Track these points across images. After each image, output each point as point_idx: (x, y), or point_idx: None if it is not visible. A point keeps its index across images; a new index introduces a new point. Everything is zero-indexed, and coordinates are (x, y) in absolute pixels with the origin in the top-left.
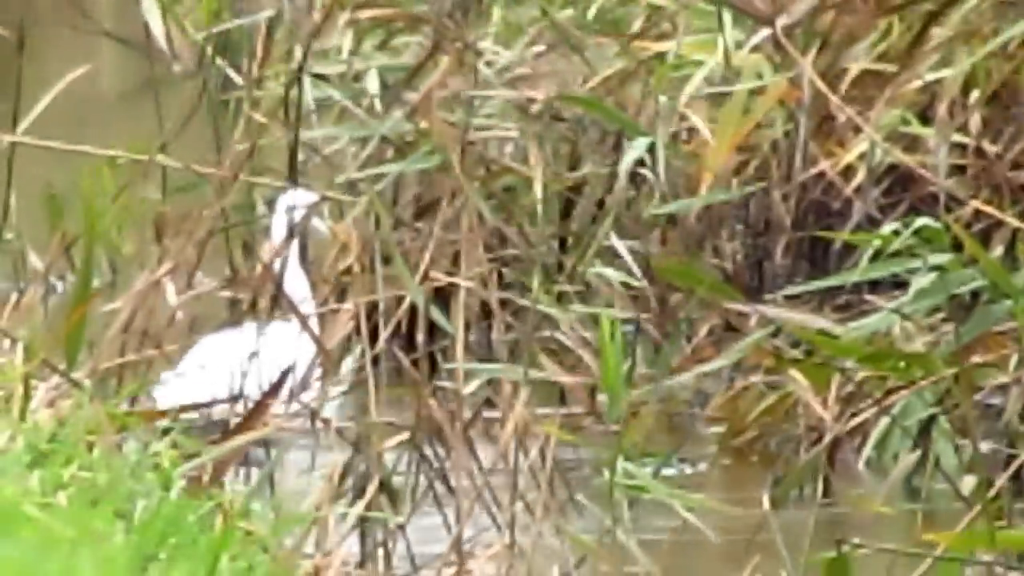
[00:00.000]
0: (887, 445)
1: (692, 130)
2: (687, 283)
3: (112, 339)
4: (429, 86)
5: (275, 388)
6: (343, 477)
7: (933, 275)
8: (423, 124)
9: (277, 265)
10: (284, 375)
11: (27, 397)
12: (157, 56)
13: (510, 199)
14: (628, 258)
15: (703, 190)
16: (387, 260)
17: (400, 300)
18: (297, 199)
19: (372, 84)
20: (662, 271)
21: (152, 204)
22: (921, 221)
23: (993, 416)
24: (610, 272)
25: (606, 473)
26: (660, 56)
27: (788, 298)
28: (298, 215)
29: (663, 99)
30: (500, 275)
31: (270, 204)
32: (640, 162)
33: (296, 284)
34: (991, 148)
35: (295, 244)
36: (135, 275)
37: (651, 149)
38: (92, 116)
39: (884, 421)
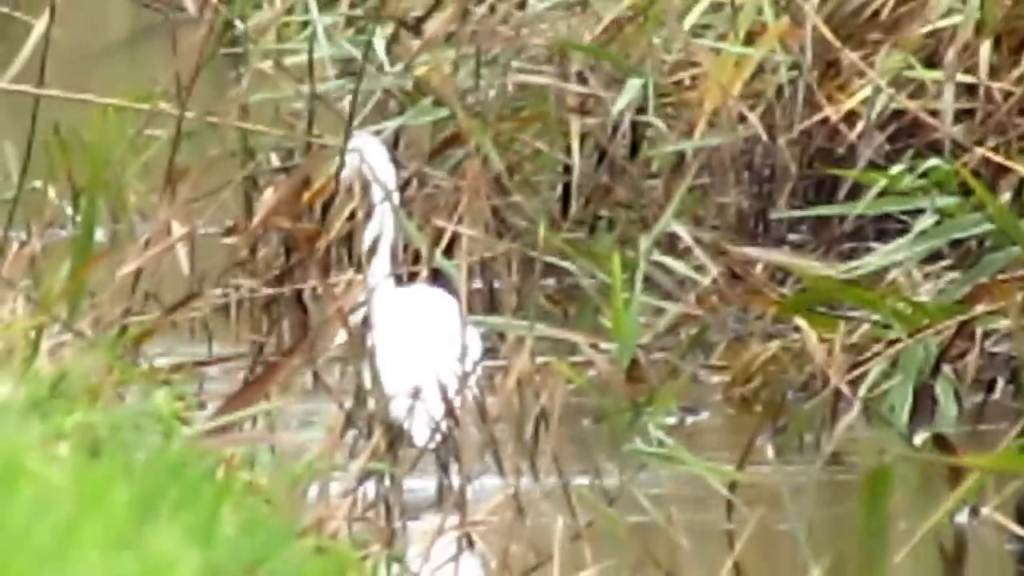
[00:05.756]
0: (888, 395)
1: (696, 77)
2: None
3: (118, 292)
4: (432, 34)
5: (291, 350)
6: (345, 429)
7: (935, 216)
8: (426, 75)
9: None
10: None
11: (35, 350)
12: (164, 4)
13: (513, 149)
14: None
15: (700, 128)
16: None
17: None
18: (361, 144)
19: (378, 39)
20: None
21: (157, 152)
22: (932, 162)
23: (999, 364)
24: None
25: (612, 426)
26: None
27: (794, 247)
28: (360, 160)
29: (655, 39)
30: (504, 224)
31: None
32: (645, 111)
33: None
34: (998, 86)
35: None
36: (139, 223)
37: (659, 95)
38: (98, 65)
39: (877, 369)
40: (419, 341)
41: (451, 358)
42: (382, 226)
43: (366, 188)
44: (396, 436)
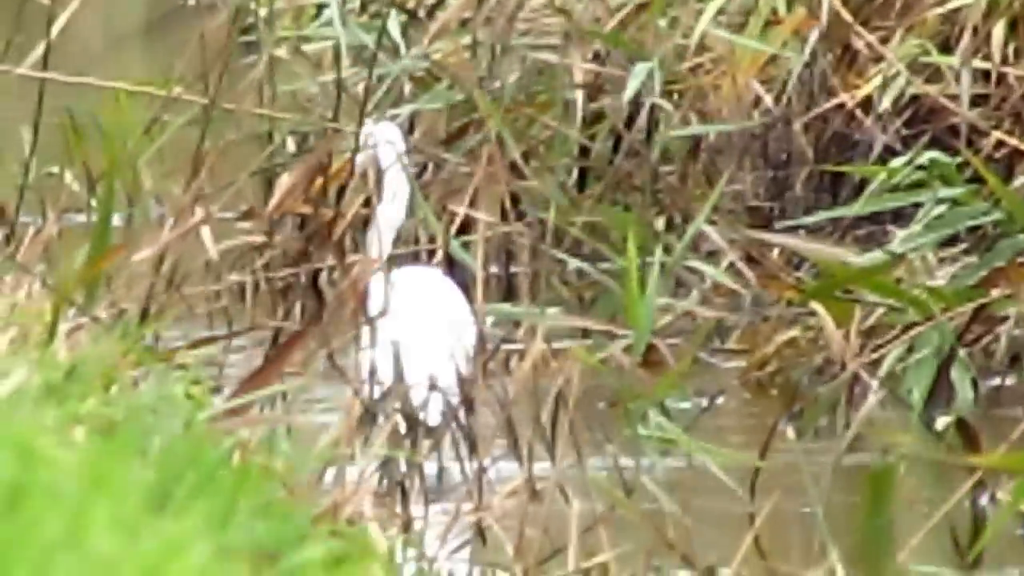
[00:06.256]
0: (905, 379)
1: (715, 60)
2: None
3: (136, 277)
4: (447, 19)
5: (305, 331)
6: (360, 413)
7: (942, 207)
8: (442, 59)
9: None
10: (314, 321)
11: (52, 335)
12: None
13: (528, 135)
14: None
15: (715, 111)
16: None
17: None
18: (377, 131)
19: (392, 24)
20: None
21: (172, 137)
22: (929, 155)
23: (1017, 347)
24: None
25: (626, 411)
26: None
27: (809, 231)
28: (374, 146)
29: (661, 23)
30: (519, 209)
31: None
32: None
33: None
34: (1014, 72)
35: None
36: (154, 208)
37: (670, 81)
38: (113, 52)
39: (895, 353)
40: (426, 323)
41: (462, 340)
42: (391, 209)
43: (380, 173)
44: (411, 420)
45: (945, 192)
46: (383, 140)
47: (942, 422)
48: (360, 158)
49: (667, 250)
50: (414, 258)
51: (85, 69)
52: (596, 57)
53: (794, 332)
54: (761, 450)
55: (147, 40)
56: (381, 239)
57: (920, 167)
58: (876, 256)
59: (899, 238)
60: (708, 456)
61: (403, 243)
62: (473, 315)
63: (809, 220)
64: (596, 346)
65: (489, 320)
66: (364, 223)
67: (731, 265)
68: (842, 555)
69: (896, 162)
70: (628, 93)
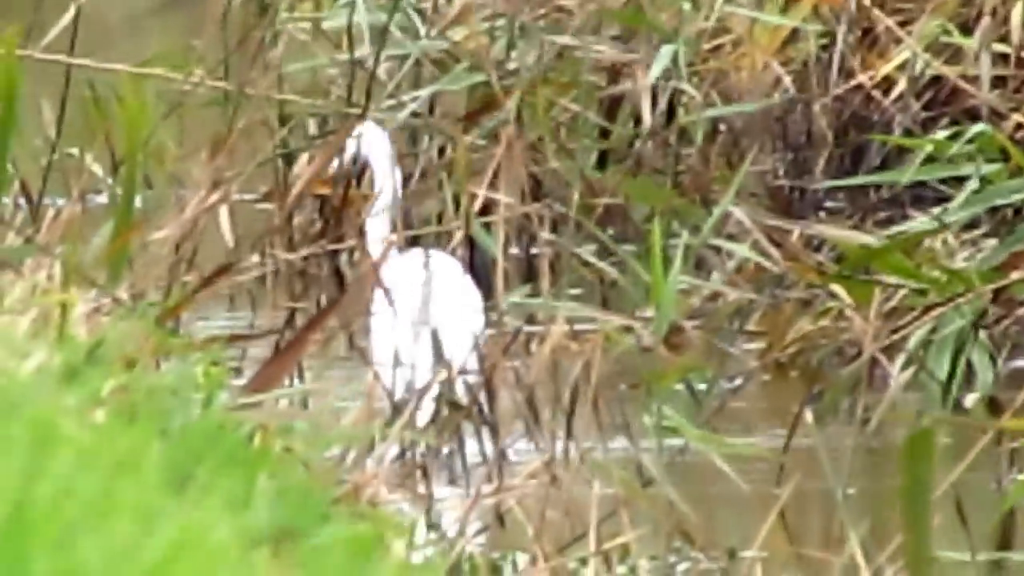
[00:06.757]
0: (926, 361)
1: (736, 43)
2: (650, 202)
3: (157, 259)
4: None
5: (322, 316)
6: (381, 395)
7: (976, 184)
8: (462, 41)
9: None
10: (334, 302)
11: (64, 316)
12: None
13: (549, 115)
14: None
15: (735, 92)
16: (425, 175)
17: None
18: (366, 131)
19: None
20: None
21: (191, 118)
22: (976, 128)
23: None
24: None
25: (647, 394)
26: None
27: (830, 214)
28: (362, 146)
29: (685, 5)
30: (540, 190)
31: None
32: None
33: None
34: None
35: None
36: (174, 189)
37: (689, 63)
38: (128, 32)
39: (918, 335)
40: (442, 306)
41: (471, 324)
42: (385, 201)
43: (364, 170)
44: (433, 403)
45: (988, 167)
46: (370, 142)
47: (970, 399)
48: (341, 159)
49: (692, 231)
50: (436, 239)
51: (103, 47)
52: (616, 39)
53: (815, 314)
54: (788, 436)
55: (164, 17)
56: (372, 240)
57: (964, 141)
58: (899, 234)
59: (925, 219)
60: (709, 446)
61: (424, 224)
62: (482, 300)
63: (834, 186)
64: (618, 329)
65: (508, 305)
66: None
67: (755, 244)
68: (864, 537)
69: (933, 135)
70: (653, 74)
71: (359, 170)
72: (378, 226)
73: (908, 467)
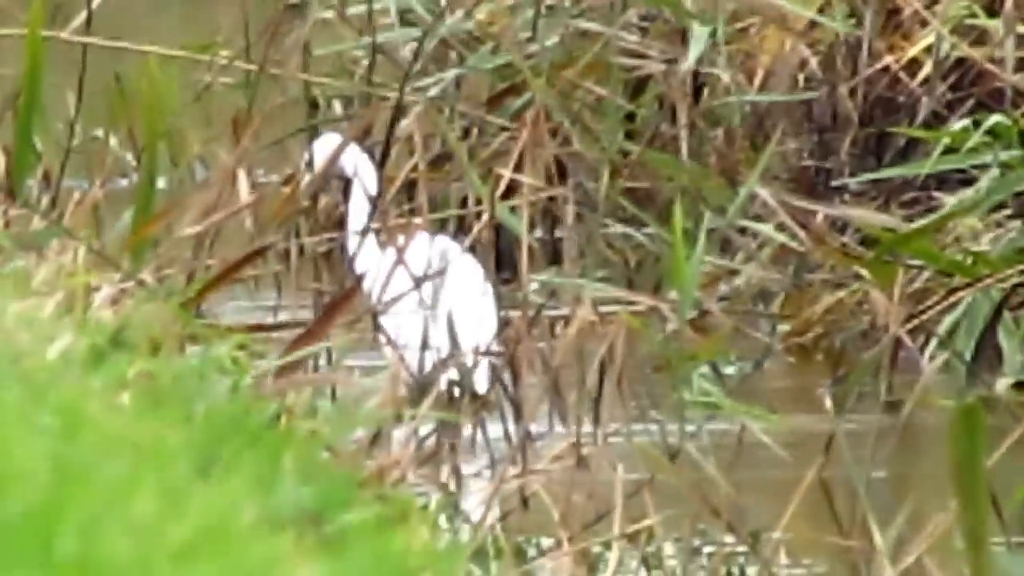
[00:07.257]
0: (951, 343)
1: (763, 24)
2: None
3: (180, 241)
4: None
5: (344, 300)
6: (408, 378)
7: (997, 171)
8: (486, 23)
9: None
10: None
11: (86, 298)
12: None
13: (574, 97)
14: None
15: (759, 74)
16: (450, 157)
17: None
18: (319, 148)
19: None
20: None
21: (216, 100)
22: (994, 118)
23: None
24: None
25: (672, 375)
26: None
27: (854, 195)
28: (325, 157)
29: None
30: (564, 173)
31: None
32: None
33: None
34: None
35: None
36: (199, 170)
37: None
38: (153, 11)
39: (949, 319)
40: (463, 291)
41: (482, 311)
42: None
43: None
44: (457, 386)
45: (1006, 155)
46: (325, 153)
47: (1001, 384)
48: (308, 179)
49: (717, 212)
50: (460, 221)
51: (126, 31)
52: (643, 19)
53: (838, 296)
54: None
55: (189, 1)
56: (352, 240)
57: (983, 131)
58: (923, 219)
59: (950, 204)
60: (753, 420)
61: (448, 207)
62: (496, 283)
63: (858, 181)
64: (643, 312)
65: (533, 286)
66: (411, 186)
67: (781, 226)
68: (895, 521)
69: (954, 122)
70: (692, 57)
71: (343, 185)
72: (358, 220)
73: (958, 443)
